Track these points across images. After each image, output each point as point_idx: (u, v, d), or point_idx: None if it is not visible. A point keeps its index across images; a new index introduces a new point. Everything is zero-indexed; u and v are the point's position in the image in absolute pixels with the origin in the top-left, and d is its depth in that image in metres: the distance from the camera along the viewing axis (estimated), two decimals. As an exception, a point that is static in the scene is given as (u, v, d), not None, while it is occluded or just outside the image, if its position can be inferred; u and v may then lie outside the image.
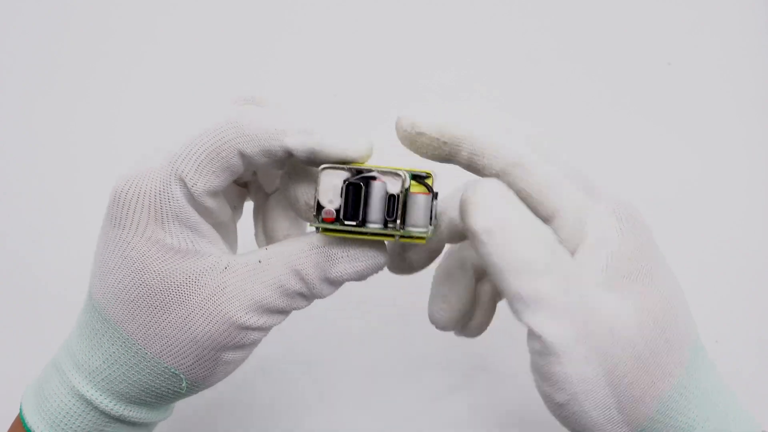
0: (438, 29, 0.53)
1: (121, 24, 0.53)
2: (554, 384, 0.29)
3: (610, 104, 0.52)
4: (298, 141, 0.30)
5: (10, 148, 0.52)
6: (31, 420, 0.32)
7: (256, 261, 0.32)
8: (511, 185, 0.31)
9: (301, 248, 0.32)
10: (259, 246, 0.37)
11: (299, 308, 0.33)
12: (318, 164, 0.31)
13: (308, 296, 0.33)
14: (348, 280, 0.32)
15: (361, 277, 0.32)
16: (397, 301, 0.49)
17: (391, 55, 0.53)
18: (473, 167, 0.32)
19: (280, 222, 0.36)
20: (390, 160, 0.32)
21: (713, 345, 0.48)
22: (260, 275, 0.31)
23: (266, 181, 0.37)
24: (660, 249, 0.32)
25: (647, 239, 0.31)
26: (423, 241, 0.30)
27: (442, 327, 0.37)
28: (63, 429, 0.32)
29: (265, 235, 0.36)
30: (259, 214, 0.37)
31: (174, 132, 0.32)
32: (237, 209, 0.38)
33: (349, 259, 0.32)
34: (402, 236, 0.30)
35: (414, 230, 0.30)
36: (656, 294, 0.30)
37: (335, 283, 0.33)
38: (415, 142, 0.32)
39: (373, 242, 0.32)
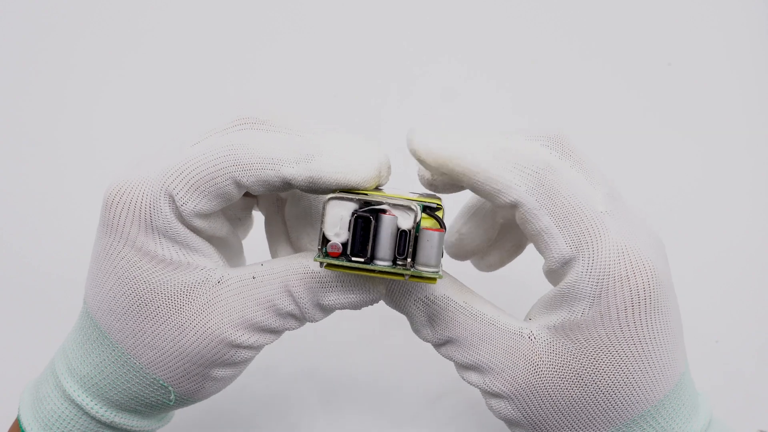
0: (439, 29, 0.53)
1: (122, 19, 0.53)
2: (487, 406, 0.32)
3: (609, 104, 0.52)
4: (296, 171, 0.28)
5: (11, 148, 0.52)
6: (26, 421, 0.32)
7: (251, 276, 0.30)
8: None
9: (296, 269, 0.30)
10: None
11: (291, 329, 0.31)
12: (319, 192, 0.29)
13: (300, 318, 0.31)
14: (340, 308, 0.31)
15: (354, 307, 0.31)
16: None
17: (391, 55, 0.53)
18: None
19: (304, 228, 0.34)
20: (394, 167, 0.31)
21: (713, 345, 0.48)
22: (253, 292, 0.30)
23: None
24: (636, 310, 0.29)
25: (615, 311, 0.29)
26: (434, 282, 0.28)
27: (449, 255, 0.37)
28: None
29: (292, 245, 0.35)
30: (271, 226, 0.35)
31: (170, 139, 0.31)
32: (243, 220, 0.36)
33: (344, 289, 0.30)
34: (412, 276, 0.28)
35: (425, 270, 0.27)
36: (594, 363, 0.29)
37: (327, 310, 0.31)
38: (422, 163, 0.30)
39: (373, 276, 0.30)
